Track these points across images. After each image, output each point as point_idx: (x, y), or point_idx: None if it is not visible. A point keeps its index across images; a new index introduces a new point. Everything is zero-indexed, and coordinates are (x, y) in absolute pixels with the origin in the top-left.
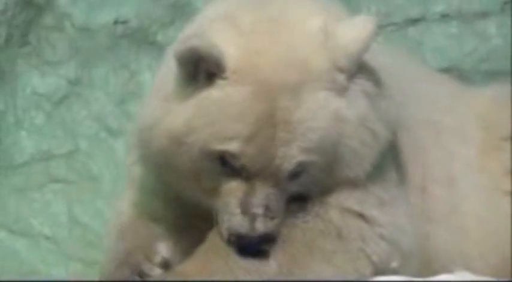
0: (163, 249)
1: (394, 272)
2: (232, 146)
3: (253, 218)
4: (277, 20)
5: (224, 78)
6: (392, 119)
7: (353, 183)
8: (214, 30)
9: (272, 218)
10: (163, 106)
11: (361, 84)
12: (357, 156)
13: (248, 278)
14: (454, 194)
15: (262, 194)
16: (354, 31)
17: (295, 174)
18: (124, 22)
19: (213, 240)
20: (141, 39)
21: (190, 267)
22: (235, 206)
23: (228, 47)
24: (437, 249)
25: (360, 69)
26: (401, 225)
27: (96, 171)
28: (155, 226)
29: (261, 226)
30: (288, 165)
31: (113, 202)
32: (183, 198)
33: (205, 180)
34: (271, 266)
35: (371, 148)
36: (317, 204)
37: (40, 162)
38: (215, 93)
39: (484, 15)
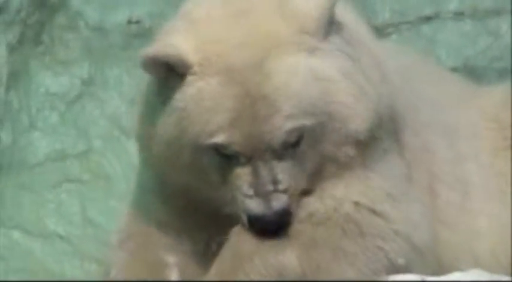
0: (172, 259)
1: (405, 268)
2: (219, 138)
3: (266, 196)
4: (229, 6)
5: (193, 74)
6: (376, 86)
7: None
8: (172, 30)
9: (285, 191)
10: (150, 114)
11: (338, 44)
12: (352, 110)
13: None
14: (464, 195)
15: (266, 171)
16: None
17: (294, 143)
18: (137, 22)
19: (231, 249)
20: (154, 38)
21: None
22: (247, 189)
23: (188, 42)
24: (446, 249)
25: (331, 31)
26: (415, 221)
27: (109, 171)
28: (162, 235)
29: (277, 203)
30: (278, 136)
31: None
32: (194, 201)
33: (212, 174)
34: (296, 272)
35: (363, 102)
36: (327, 197)
37: (54, 162)
38: (188, 90)
39: (497, 13)
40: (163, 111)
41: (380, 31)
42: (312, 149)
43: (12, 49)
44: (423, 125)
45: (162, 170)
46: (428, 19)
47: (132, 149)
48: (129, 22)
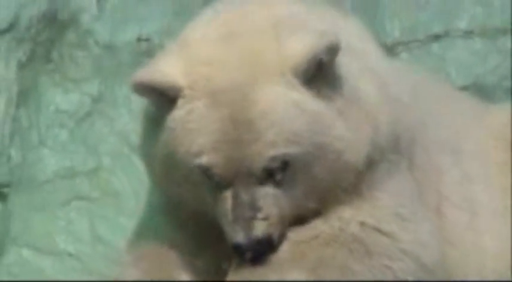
0: (186, 278)
1: None
2: (202, 160)
3: (245, 223)
4: (225, 28)
5: (183, 97)
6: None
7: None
8: (165, 53)
9: (265, 219)
10: (150, 132)
11: (324, 89)
12: (345, 143)
13: None
14: (472, 215)
15: (246, 196)
16: (307, 40)
17: (277, 170)
18: (147, 39)
19: (240, 270)
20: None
21: None
22: (229, 216)
23: (178, 66)
24: (454, 269)
25: (322, 79)
26: (424, 240)
27: (119, 188)
28: (175, 254)
29: (258, 231)
30: (259, 162)
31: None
32: (203, 219)
33: (205, 194)
34: None
35: (357, 135)
36: (334, 218)
37: (63, 179)
38: (177, 113)
39: (507, 31)
40: (159, 130)
41: (390, 49)
42: (301, 176)
43: (22, 66)
44: (432, 143)
45: (164, 188)
46: (438, 37)
47: (141, 166)
48: (139, 40)
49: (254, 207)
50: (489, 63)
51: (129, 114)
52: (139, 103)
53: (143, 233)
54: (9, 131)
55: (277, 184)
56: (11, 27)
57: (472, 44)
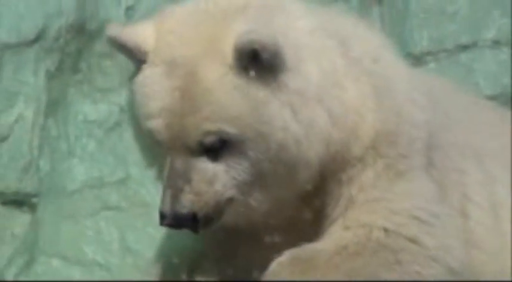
0: None
1: None
2: (150, 124)
3: (174, 194)
4: (198, 8)
5: (148, 62)
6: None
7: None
8: (143, 21)
9: (195, 194)
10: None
11: (261, 79)
12: (293, 135)
13: None
14: (496, 217)
15: (180, 165)
16: (245, 33)
17: (213, 146)
18: None
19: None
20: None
21: None
22: (163, 181)
23: (150, 32)
24: (478, 271)
25: (267, 70)
26: (449, 244)
27: (147, 198)
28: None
29: (185, 205)
30: (195, 134)
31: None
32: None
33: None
34: None
35: (309, 129)
36: (355, 225)
37: (92, 189)
38: (139, 76)
39: None
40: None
41: (418, 59)
42: (241, 159)
43: (50, 77)
44: (454, 146)
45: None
46: (465, 47)
47: None
48: None
49: (185, 178)
50: None
51: None
52: None
53: (172, 243)
54: (38, 141)
55: (214, 161)
56: (39, 37)
57: (499, 54)
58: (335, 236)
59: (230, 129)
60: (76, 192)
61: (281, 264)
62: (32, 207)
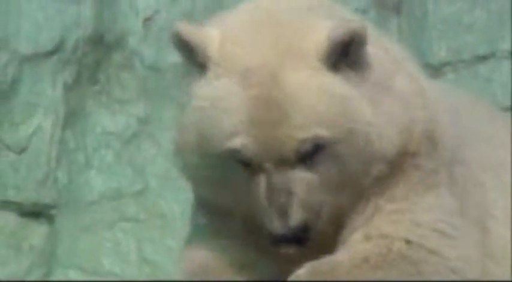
0: None
1: None
2: (234, 143)
3: (282, 211)
4: (258, 14)
5: (212, 72)
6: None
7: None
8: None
9: (301, 205)
10: (179, 122)
11: (351, 77)
12: (377, 128)
13: None
14: None
15: (280, 180)
16: (335, 25)
17: (309, 153)
18: None
19: None
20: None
21: None
22: (264, 202)
23: (212, 42)
24: None
25: (351, 65)
26: (468, 256)
27: (166, 210)
28: (227, 271)
29: (293, 220)
30: (292, 145)
31: (181, 242)
32: (254, 236)
33: (237, 186)
34: None
35: (390, 123)
36: (376, 236)
37: (110, 200)
38: (206, 89)
39: None
40: (186, 114)
41: (436, 70)
42: (334, 162)
43: (68, 88)
44: (473, 160)
45: (196, 185)
46: (484, 58)
47: (188, 187)
48: None
49: (289, 192)
50: None
51: None
52: None
53: (195, 252)
54: (56, 152)
55: (310, 168)
56: (57, 49)
57: None
58: (355, 247)
59: (324, 133)
60: (94, 204)
61: (300, 277)
62: (50, 219)
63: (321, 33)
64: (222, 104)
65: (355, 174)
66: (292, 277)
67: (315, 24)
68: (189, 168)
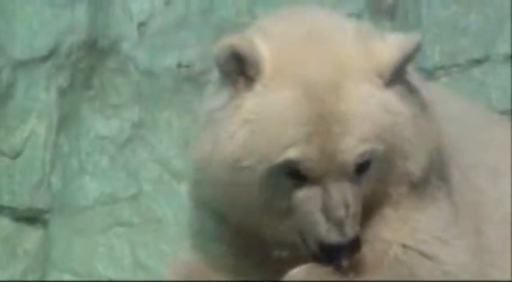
0: None
1: None
2: (293, 154)
3: (339, 222)
4: (308, 26)
5: (264, 85)
6: (435, 129)
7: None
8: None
9: (355, 216)
10: (212, 135)
11: (401, 91)
12: (412, 147)
13: None
14: (511, 236)
15: (339, 194)
16: (395, 41)
17: (362, 166)
18: (187, 65)
19: None
20: (205, 82)
21: None
22: (318, 215)
23: (264, 52)
24: None
25: (400, 81)
26: (464, 262)
27: (160, 214)
28: (218, 274)
29: (350, 230)
30: (352, 157)
31: (175, 247)
32: (250, 242)
33: (277, 201)
34: None
35: (422, 141)
36: (374, 240)
37: (104, 205)
38: (260, 101)
39: None
40: (225, 126)
41: (430, 74)
42: (374, 176)
43: (62, 93)
44: (469, 165)
45: (216, 206)
46: (478, 62)
47: (182, 192)
48: (179, 66)
49: (346, 205)
50: None
51: (170, 140)
52: (180, 129)
53: (185, 256)
54: (50, 157)
55: (359, 181)
56: (51, 54)
57: None
58: None
59: (379, 147)
60: (88, 208)
61: (295, 278)
62: (44, 223)
63: (384, 49)
64: (281, 116)
65: (383, 188)
66: (286, 277)
67: (373, 40)
68: (211, 182)
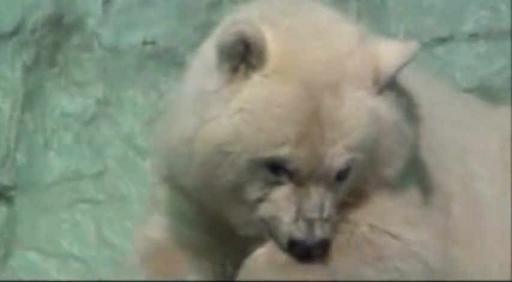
0: (194, 278)
1: None
2: (283, 151)
3: (311, 223)
4: (314, 24)
5: (265, 76)
6: (415, 133)
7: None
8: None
9: (327, 221)
10: (200, 115)
11: (391, 96)
12: (390, 155)
13: None
14: (476, 214)
15: (317, 197)
16: (393, 49)
17: (342, 173)
18: (152, 43)
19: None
20: (170, 59)
21: None
22: (292, 212)
23: (269, 43)
24: (459, 268)
25: (390, 86)
26: (430, 243)
27: (124, 191)
28: (183, 254)
29: (320, 232)
30: (338, 164)
31: (139, 224)
32: (214, 219)
33: (252, 190)
34: None
35: (401, 148)
36: (344, 222)
37: (69, 182)
38: (258, 92)
39: None
40: (219, 110)
41: None
42: (349, 182)
43: (27, 70)
44: (437, 145)
45: (190, 186)
46: (443, 41)
47: (147, 169)
48: (144, 43)
49: (322, 208)
50: (494, 66)
51: (135, 117)
52: (145, 106)
53: (150, 233)
54: (14, 134)
55: (336, 188)
56: (16, 30)
57: (476, 47)
58: None
59: (361, 155)
60: (53, 185)
61: (259, 258)
62: (9, 200)
63: (383, 57)
64: (276, 112)
65: (358, 189)
66: (250, 259)
67: (374, 47)
68: (188, 160)
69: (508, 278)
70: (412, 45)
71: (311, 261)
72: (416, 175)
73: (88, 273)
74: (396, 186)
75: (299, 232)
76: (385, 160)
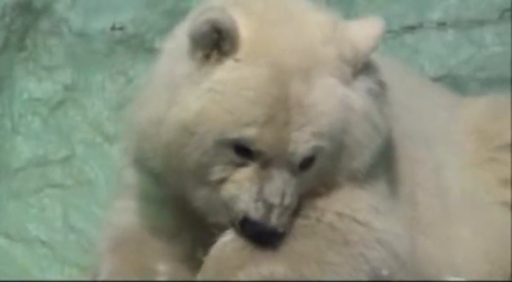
0: (163, 267)
1: (387, 278)
2: (249, 132)
3: (270, 208)
4: (286, 10)
5: (237, 60)
6: (387, 124)
7: (351, 181)
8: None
9: (287, 209)
10: (169, 97)
11: (365, 82)
12: (360, 147)
13: None
14: (444, 203)
15: (280, 182)
16: (363, 29)
17: (307, 161)
18: (121, 28)
19: (215, 261)
20: (138, 45)
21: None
22: (253, 193)
23: (242, 29)
24: (426, 257)
25: (365, 68)
26: (397, 231)
27: (92, 177)
28: (152, 241)
29: (276, 221)
30: (303, 150)
31: (105, 209)
32: (183, 203)
33: (215, 170)
34: None
35: (372, 140)
36: (308, 208)
37: (36, 167)
38: (230, 75)
39: (480, 23)
40: (189, 92)
41: None
42: (314, 171)
43: None
44: (405, 134)
45: (157, 167)
46: (411, 29)
47: (115, 154)
48: (113, 28)
49: (283, 196)
50: (462, 55)
51: (103, 102)
52: (113, 92)
53: (118, 219)
54: None
55: (300, 176)
56: None
57: (445, 36)
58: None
59: (327, 144)
60: (20, 170)
61: (226, 245)
62: None
63: (356, 39)
64: (246, 93)
65: (323, 181)
66: (217, 245)
67: (345, 32)
68: (156, 141)
69: (476, 267)
70: (378, 23)
71: (261, 246)
72: (384, 165)
73: (54, 257)
74: (364, 177)
75: (255, 212)
76: (353, 152)
